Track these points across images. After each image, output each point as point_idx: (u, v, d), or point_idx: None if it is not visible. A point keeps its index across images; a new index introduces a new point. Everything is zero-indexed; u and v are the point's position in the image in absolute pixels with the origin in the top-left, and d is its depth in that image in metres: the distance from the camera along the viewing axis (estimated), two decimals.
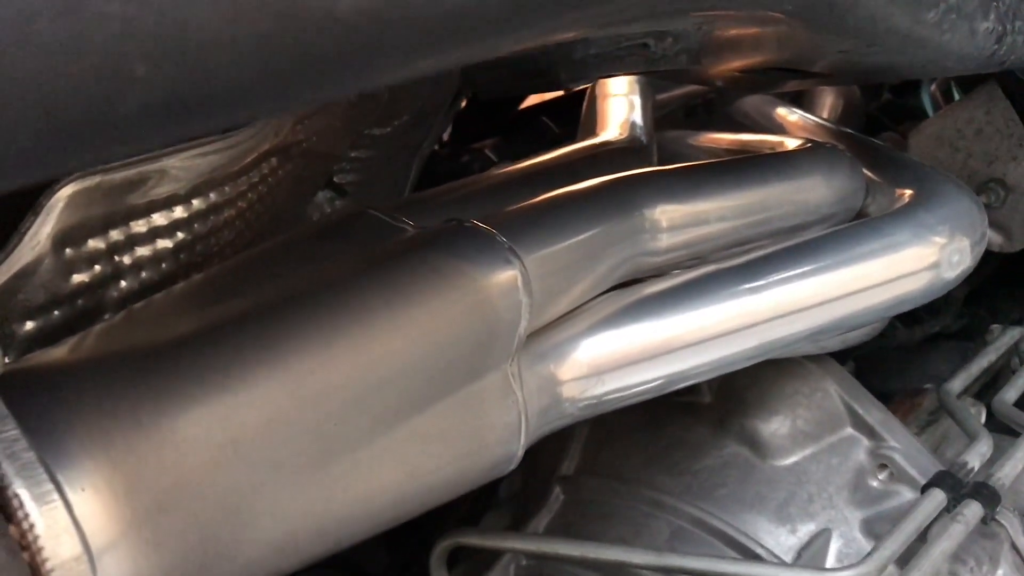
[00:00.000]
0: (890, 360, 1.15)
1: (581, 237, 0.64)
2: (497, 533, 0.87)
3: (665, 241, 0.71)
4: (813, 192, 0.78)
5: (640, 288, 0.69)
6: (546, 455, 0.98)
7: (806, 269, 0.73)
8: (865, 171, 0.86)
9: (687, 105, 1.22)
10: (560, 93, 1.16)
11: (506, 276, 0.57)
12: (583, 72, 0.67)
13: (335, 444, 0.49)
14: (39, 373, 0.44)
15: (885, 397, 1.09)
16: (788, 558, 0.83)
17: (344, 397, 0.49)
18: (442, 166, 1.11)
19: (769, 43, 0.64)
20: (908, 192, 0.81)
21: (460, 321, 0.55)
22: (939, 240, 0.75)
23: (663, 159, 0.98)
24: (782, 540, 0.84)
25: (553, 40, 0.40)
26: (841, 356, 0.97)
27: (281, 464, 0.47)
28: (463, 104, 0.99)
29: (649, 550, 0.77)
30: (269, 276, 0.54)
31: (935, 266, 0.75)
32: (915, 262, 0.74)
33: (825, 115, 1.13)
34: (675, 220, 0.71)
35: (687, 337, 0.69)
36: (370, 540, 0.54)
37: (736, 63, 0.69)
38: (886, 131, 1.24)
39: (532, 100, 1.21)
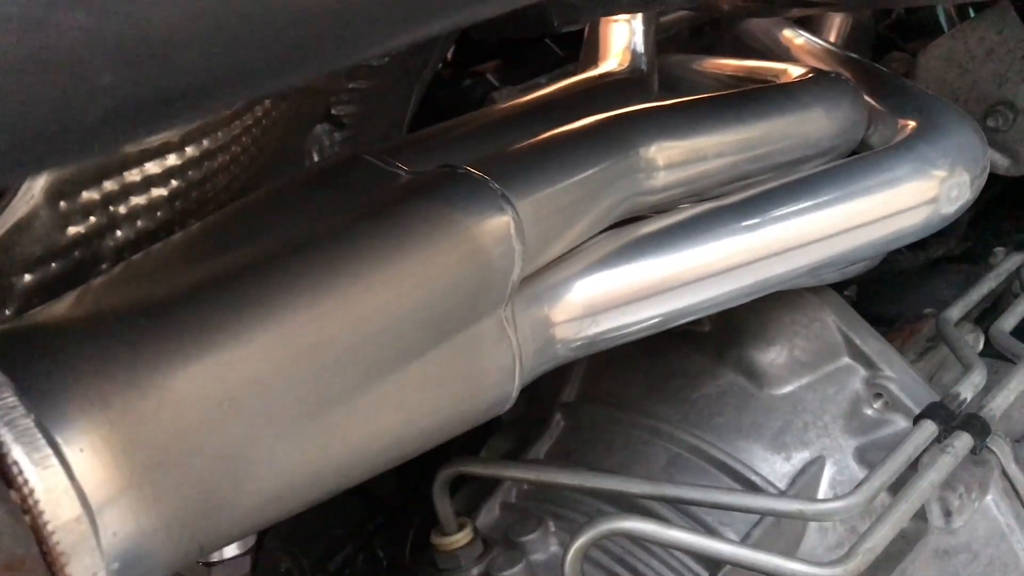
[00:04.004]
0: (893, 284, 1.15)
1: (575, 179, 0.64)
2: (497, 462, 0.89)
3: (662, 179, 0.70)
4: (814, 125, 0.78)
5: (636, 227, 0.69)
6: (547, 382, 1.00)
7: (804, 206, 0.72)
8: (868, 100, 0.85)
9: (693, 25, 1.19)
10: None
11: (499, 223, 0.57)
12: (576, 15, 0.66)
13: (331, 394, 0.50)
14: (36, 334, 0.44)
15: (887, 321, 1.10)
16: (782, 485, 0.85)
17: (338, 348, 0.50)
18: (443, 91, 1.09)
19: None
20: (911, 123, 0.80)
21: (453, 270, 0.56)
22: (939, 174, 0.75)
23: (666, 85, 0.97)
24: (777, 467, 0.86)
25: None
26: (843, 282, 0.97)
27: (277, 416, 0.48)
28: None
29: (645, 480, 0.79)
30: (262, 228, 0.55)
31: (933, 200, 0.74)
32: (914, 196, 0.74)
33: (833, 36, 1.11)
34: (672, 158, 0.71)
35: (683, 276, 0.69)
36: None
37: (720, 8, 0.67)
38: (896, 50, 1.22)
39: None
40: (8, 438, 0.37)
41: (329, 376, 0.50)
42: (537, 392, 0.99)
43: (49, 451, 0.38)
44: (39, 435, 0.38)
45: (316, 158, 0.92)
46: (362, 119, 0.90)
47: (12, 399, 0.38)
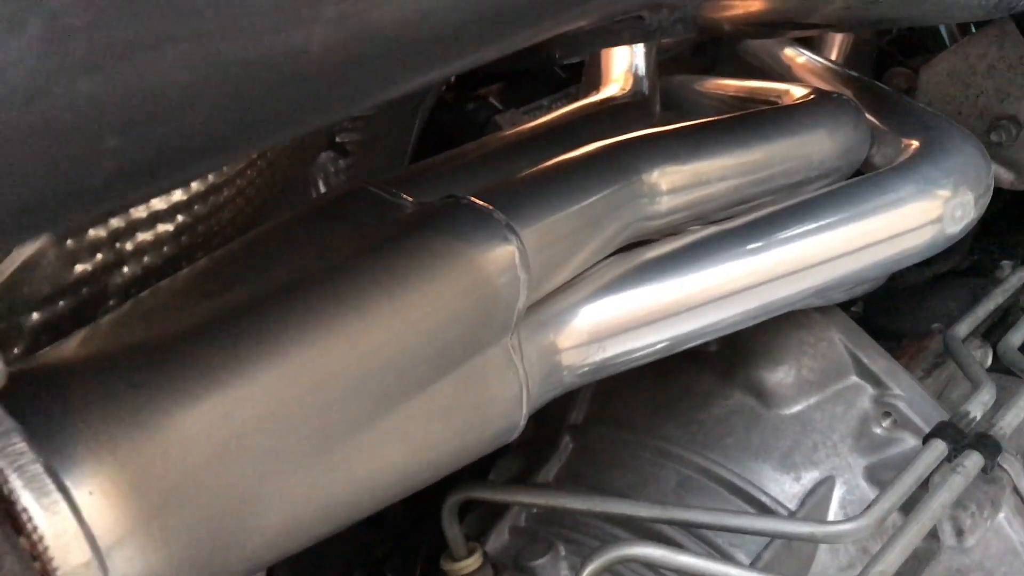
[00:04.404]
0: (900, 299, 1.15)
1: (579, 206, 0.64)
2: (506, 487, 0.89)
3: (666, 204, 0.71)
4: (817, 147, 0.78)
5: (640, 252, 0.70)
6: (555, 403, 1.00)
7: (808, 228, 0.72)
8: (870, 119, 0.85)
9: (695, 43, 1.20)
10: None
11: (503, 254, 0.58)
12: (577, 48, 0.66)
13: (337, 429, 0.50)
14: (44, 376, 0.45)
15: (895, 337, 1.10)
16: (792, 506, 0.85)
17: (344, 383, 0.51)
18: (446, 115, 1.10)
19: (766, 9, 0.63)
20: (914, 143, 0.80)
21: (458, 301, 0.56)
22: (943, 194, 0.75)
23: (668, 105, 0.97)
24: (786, 488, 0.86)
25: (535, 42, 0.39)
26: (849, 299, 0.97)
27: (284, 453, 0.48)
28: None
29: (654, 503, 0.79)
30: (267, 263, 0.55)
31: (938, 220, 0.74)
32: (918, 217, 0.74)
33: (834, 54, 1.11)
34: (675, 182, 0.71)
35: (689, 300, 0.69)
36: None
37: (735, 21, 0.68)
38: (897, 65, 1.22)
39: None
40: (17, 484, 0.38)
41: (336, 411, 0.50)
42: (545, 414, 0.99)
43: (58, 496, 0.39)
44: (48, 480, 0.39)
45: (322, 186, 0.93)
46: (366, 146, 0.91)
47: (21, 445, 0.38)
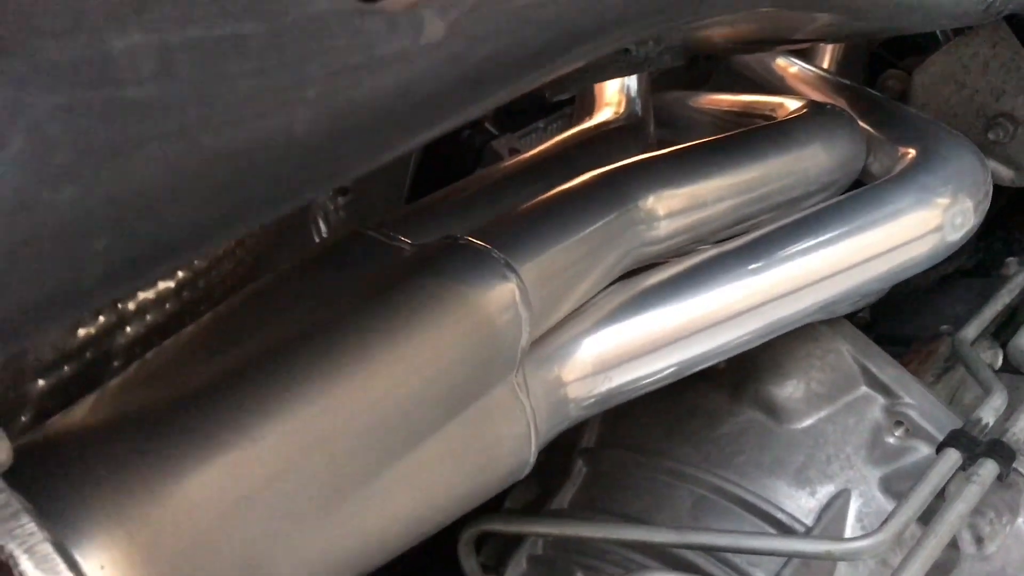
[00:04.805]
0: (906, 303, 1.15)
1: (577, 238, 0.64)
2: (521, 517, 0.89)
3: (664, 229, 0.71)
4: (812, 162, 0.78)
5: (642, 279, 0.70)
6: (568, 429, 1.00)
7: (809, 244, 0.72)
8: (866, 128, 0.85)
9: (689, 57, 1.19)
10: None
11: (503, 292, 0.58)
12: (565, 87, 0.66)
13: (346, 482, 0.50)
14: (52, 448, 0.45)
15: (903, 341, 1.09)
16: (809, 521, 0.84)
17: (351, 435, 0.51)
18: (442, 144, 1.10)
19: (754, 26, 0.63)
20: (910, 151, 0.80)
21: (461, 344, 0.56)
22: (942, 202, 0.75)
23: (663, 123, 0.97)
24: (802, 503, 0.85)
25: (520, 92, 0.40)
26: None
27: (294, 510, 0.48)
28: None
29: (671, 528, 0.79)
30: (269, 317, 0.55)
31: (938, 229, 0.74)
32: (918, 227, 0.74)
33: (826, 62, 1.11)
34: (672, 206, 0.71)
35: (692, 325, 0.69)
36: None
37: (723, 44, 0.68)
38: (890, 67, 1.21)
39: None
40: (28, 567, 0.38)
41: (344, 464, 0.50)
42: (558, 438, 0.99)
43: (70, 575, 0.39)
44: (59, 560, 0.39)
45: (322, 224, 0.93)
46: (364, 182, 0.91)
47: (31, 526, 0.38)
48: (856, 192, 0.76)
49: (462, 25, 0.33)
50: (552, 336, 0.65)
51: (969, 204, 0.74)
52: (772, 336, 0.73)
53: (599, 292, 0.68)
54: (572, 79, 0.64)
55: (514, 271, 0.58)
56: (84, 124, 0.24)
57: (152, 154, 0.25)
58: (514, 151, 1.11)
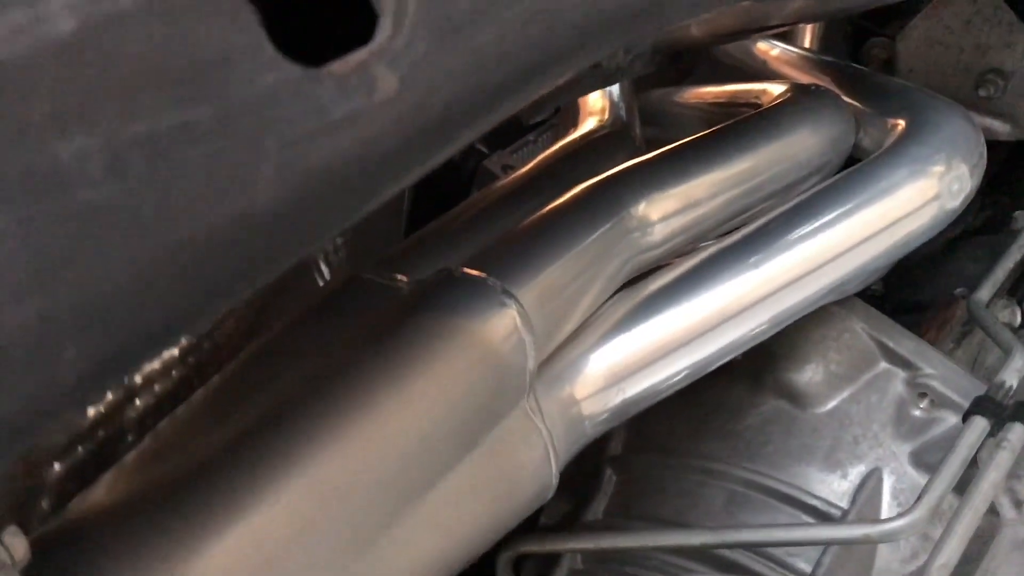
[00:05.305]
0: (918, 270, 1.14)
1: (572, 255, 0.64)
2: (556, 535, 0.89)
3: (659, 233, 0.70)
4: (802, 146, 0.77)
5: (644, 286, 0.69)
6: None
7: (808, 230, 0.72)
8: (853, 103, 0.84)
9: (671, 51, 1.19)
10: None
11: (504, 320, 0.57)
12: (539, 109, 0.66)
13: (369, 531, 0.50)
14: (72, 536, 0.45)
15: (919, 309, 1.08)
16: (844, 504, 0.84)
17: (368, 484, 0.51)
18: (435, 169, 1.10)
19: (728, 20, 0.63)
20: (900, 122, 0.79)
21: (468, 377, 0.56)
22: (937, 170, 0.74)
23: (650, 122, 0.97)
24: (835, 487, 0.85)
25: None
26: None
27: (318, 566, 0.48)
28: None
29: (705, 529, 0.78)
30: (275, 373, 0.55)
31: (936, 198, 0.73)
32: (916, 199, 0.73)
33: (807, 40, 1.10)
34: (665, 209, 0.70)
35: (700, 325, 0.69)
36: None
37: (696, 41, 0.68)
38: (873, 36, 1.21)
39: None
40: None
41: (364, 514, 0.50)
42: (586, 450, 0.99)
43: None
44: None
45: (323, 266, 0.93)
46: (361, 220, 0.91)
47: None
48: (849, 171, 0.75)
49: (415, 76, 0.33)
50: (560, 355, 0.64)
51: (964, 169, 0.74)
52: (783, 325, 0.73)
53: (603, 304, 0.68)
54: (545, 101, 0.64)
55: (512, 296, 0.58)
56: (41, 235, 0.24)
57: (113, 255, 0.25)
58: (508, 167, 1.11)
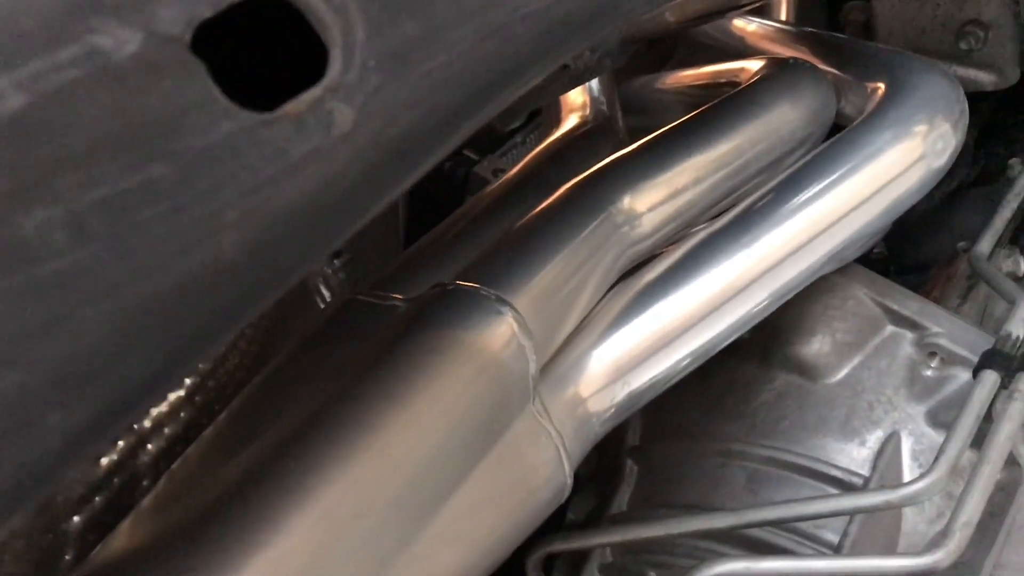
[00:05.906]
0: (919, 228, 1.13)
1: (563, 256, 0.65)
2: (582, 532, 0.90)
3: (648, 223, 0.71)
4: (783, 120, 0.77)
5: (639, 278, 0.70)
6: (613, 430, 1.00)
7: (797, 204, 0.72)
8: (831, 71, 0.84)
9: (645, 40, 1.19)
10: None
11: (502, 328, 0.58)
12: (514, 113, 0.67)
13: (386, 553, 0.51)
14: None
15: (924, 267, 1.08)
16: (865, 471, 0.84)
17: (381, 506, 0.51)
18: (426, 181, 1.11)
19: (697, 5, 0.63)
20: (879, 86, 0.79)
21: (471, 388, 0.56)
22: (919, 130, 0.74)
23: (633, 110, 0.97)
24: (854, 455, 0.85)
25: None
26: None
27: None
28: None
29: (728, 512, 0.78)
30: (281, 404, 0.55)
31: (922, 158, 0.73)
32: (902, 160, 0.73)
33: (783, 12, 1.10)
34: (651, 199, 0.71)
35: (699, 310, 0.69)
36: None
37: (663, 30, 0.68)
38: (849, 1, 1.20)
39: None
40: None
41: (380, 536, 0.50)
42: (605, 441, 0.99)
43: None
44: None
45: (323, 289, 0.94)
46: (357, 239, 0.92)
47: None
48: (833, 140, 0.75)
49: (372, 107, 0.33)
50: (562, 355, 0.65)
51: (947, 126, 0.73)
52: (783, 301, 0.73)
53: (600, 300, 0.68)
54: (516, 108, 0.64)
55: (507, 304, 0.59)
56: (11, 309, 0.24)
57: (85, 320, 0.25)
58: (499, 171, 1.12)
